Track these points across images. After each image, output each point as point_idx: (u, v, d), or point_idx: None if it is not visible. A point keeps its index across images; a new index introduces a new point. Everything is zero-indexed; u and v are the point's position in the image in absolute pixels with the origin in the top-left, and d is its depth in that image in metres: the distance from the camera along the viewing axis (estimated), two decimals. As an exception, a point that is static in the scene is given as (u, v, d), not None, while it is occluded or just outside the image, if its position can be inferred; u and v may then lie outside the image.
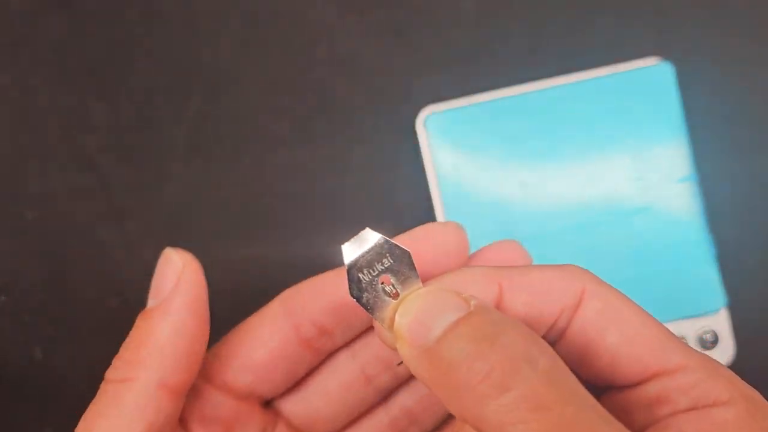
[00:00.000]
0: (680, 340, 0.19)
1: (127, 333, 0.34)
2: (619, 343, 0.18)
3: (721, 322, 0.33)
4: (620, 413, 0.18)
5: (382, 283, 0.19)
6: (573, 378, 0.17)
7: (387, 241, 0.19)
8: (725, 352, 0.33)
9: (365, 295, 0.19)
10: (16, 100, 0.34)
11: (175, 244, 0.34)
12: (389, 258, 0.19)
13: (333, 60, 0.34)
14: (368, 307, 0.19)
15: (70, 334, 0.34)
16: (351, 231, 0.34)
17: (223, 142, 0.34)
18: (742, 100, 0.34)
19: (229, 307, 0.34)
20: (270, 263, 0.34)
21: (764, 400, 0.18)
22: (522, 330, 0.17)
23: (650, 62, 0.33)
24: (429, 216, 0.34)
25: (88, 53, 0.34)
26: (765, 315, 0.34)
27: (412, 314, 0.18)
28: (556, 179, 0.32)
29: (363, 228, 0.35)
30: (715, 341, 0.33)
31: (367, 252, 0.19)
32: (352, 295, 0.19)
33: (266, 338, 0.22)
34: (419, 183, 0.34)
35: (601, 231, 0.32)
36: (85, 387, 0.34)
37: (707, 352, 0.33)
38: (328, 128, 0.34)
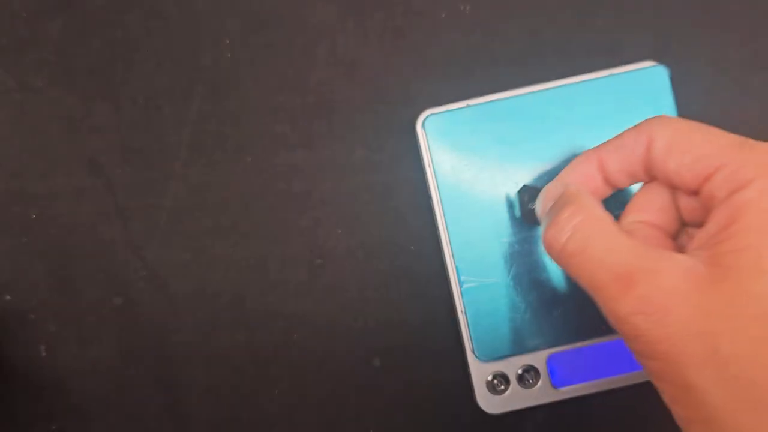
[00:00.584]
0: (735, 142, 0.23)
1: (131, 331, 0.34)
2: (679, 165, 0.24)
3: None
4: (701, 210, 0.25)
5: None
6: (608, 226, 0.24)
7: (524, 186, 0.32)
8: None
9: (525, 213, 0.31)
10: (20, 102, 0.34)
11: (177, 243, 0.34)
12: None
13: (333, 62, 0.34)
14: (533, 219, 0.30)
15: (74, 332, 0.34)
16: (351, 231, 0.34)
17: (225, 142, 0.34)
18: (735, 102, 0.35)
19: (230, 306, 0.35)
20: (271, 263, 0.34)
21: None
22: (575, 204, 0.25)
23: (645, 65, 0.33)
24: (428, 216, 0.34)
25: (91, 55, 0.34)
26: None
27: (539, 206, 0.29)
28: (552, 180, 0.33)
29: (363, 228, 0.35)
30: None
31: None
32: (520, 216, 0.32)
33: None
34: (419, 184, 0.34)
35: None
36: (89, 385, 0.34)
37: None
38: (329, 129, 0.34)
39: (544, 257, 0.33)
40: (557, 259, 0.25)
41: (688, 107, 0.34)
